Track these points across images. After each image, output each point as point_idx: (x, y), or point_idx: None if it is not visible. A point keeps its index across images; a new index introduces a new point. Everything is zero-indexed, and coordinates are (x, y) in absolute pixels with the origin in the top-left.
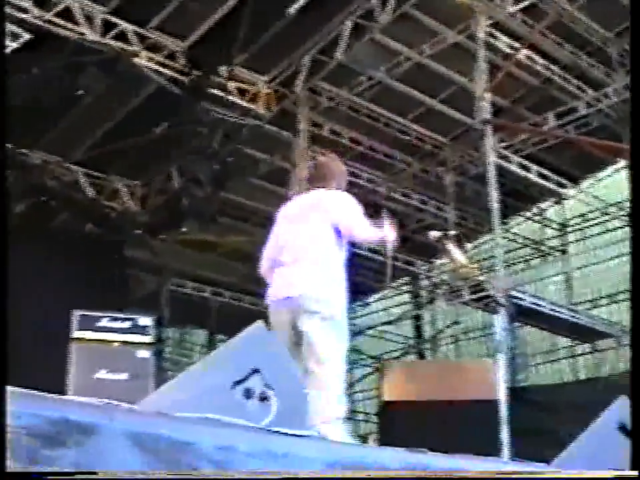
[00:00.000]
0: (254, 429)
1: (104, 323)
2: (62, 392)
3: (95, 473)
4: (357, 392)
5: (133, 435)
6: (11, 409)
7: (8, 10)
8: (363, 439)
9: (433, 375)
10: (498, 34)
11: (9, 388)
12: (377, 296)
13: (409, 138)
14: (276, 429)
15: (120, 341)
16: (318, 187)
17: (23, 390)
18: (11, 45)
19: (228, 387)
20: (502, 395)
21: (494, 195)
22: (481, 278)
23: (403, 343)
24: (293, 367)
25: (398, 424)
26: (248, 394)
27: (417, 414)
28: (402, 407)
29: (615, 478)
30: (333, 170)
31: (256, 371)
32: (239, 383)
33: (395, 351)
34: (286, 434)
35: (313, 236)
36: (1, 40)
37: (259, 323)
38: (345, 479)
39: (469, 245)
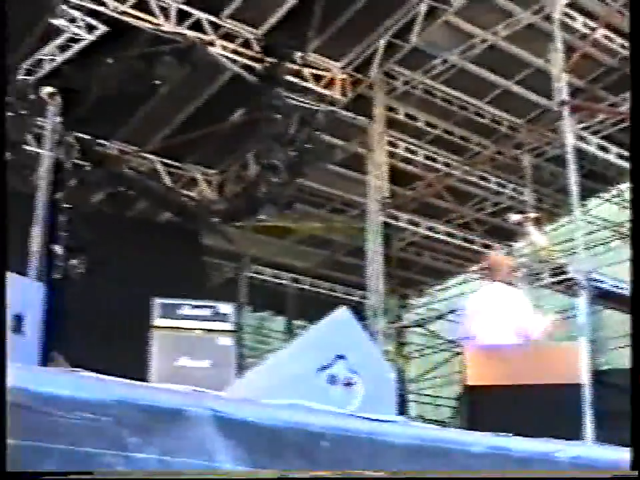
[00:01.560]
0: (339, 415)
1: (185, 310)
2: (144, 380)
3: (90, 473)
4: (437, 377)
5: (220, 421)
6: (99, 397)
7: (84, 3)
8: (445, 423)
9: (516, 358)
10: (574, 13)
11: (96, 376)
12: (455, 280)
13: (484, 120)
14: (361, 415)
15: (201, 329)
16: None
17: (110, 378)
18: (88, 37)
19: (313, 373)
20: (585, 379)
21: (572, 176)
22: (562, 260)
23: None
24: (378, 352)
25: (481, 408)
26: (333, 380)
27: (501, 398)
28: (485, 391)
29: (614, 478)
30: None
31: (341, 356)
32: (323, 368)
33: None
34: (371, 419)
35: None
36: (1, 39)
37: (343, 309)
38: (349, 479)
39: (547, 228)
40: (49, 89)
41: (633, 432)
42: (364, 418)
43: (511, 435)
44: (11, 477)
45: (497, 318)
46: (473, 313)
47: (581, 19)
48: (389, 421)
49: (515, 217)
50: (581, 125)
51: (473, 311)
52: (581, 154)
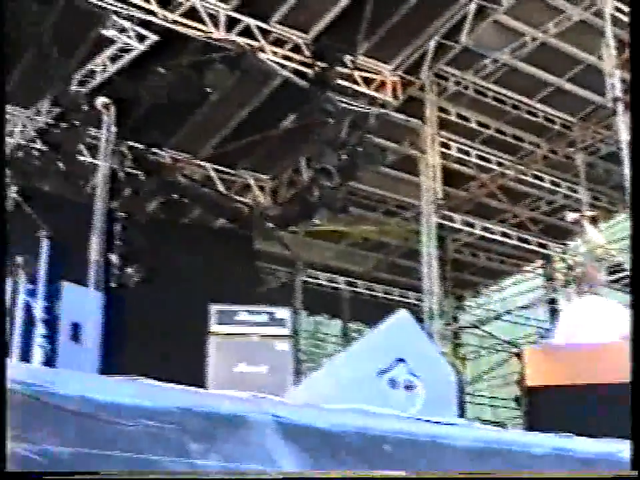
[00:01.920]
0: (401, 418)
1: (241, 316)
2: (201, 386)
3: (97, 473)
4: (495, 377)
5: (282, 427)
6: (161, 404)
7: (135, 13)
8: (503, 425)
9: (576, 357)
10: (625, 8)
11: (157, 384)
12: (510, 280)
13: (537, 119)
14: (422, 418)
15: (258, 334)
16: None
17: (171, 385)
18: (139, 47)
19: (373, 377)
20: None
21: (628, 173)
22: (619, 258)
23: (538, 327)
24: (438, 354)
25: (542, 409)
26: (393, 383)
27: (562, 398)
28: (546, 392)
29: (614, 478)
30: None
31: (401, 359)
32: (384, 372)
33: (530, 334)
34: (433, 422)
35: None
36: (1, 39)
37: (403, 311)
38: (346, 479)
39: (603, 225)
40: (103, 100)
41: (633, 432)
42: (425, 421)
43: (573, 435)
44: (11, 477)
45: (601, 330)
46: (572, 327)
47: None
48: (450, 424)
49: (571, 215)
50: None
51: (573, 324)
52: None
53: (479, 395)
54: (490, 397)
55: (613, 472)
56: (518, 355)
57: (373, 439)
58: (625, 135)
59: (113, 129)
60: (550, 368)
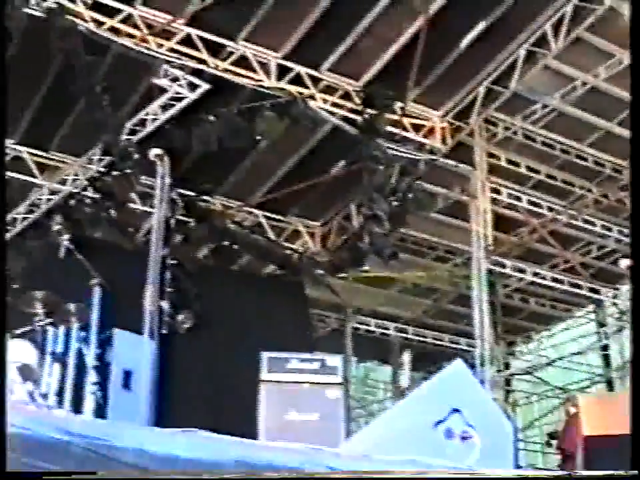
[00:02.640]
0: (457, 470)
1: (293, 364)
2: (253, 434)
3: (94, 473)
4: (546, 424)
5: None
6: (216, 457)
7: (186, 62)
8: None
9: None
10: None
11: (212, 435)
12: (562, 325)
13: (587, 163)
14: (479, 470)
15: (310, 382)
16: None
17: (226, 437)
18: (190, 96)
19: (429, 427)
20: None
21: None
22: None
23: (590, 373)
24: (495, 405)
25: (599, 458)
26: (449, 434)
27: (620, 447)
28: (602, 441)
29: (614, 478)
30: None
31: (456, 410)
32: (439, 422)
33: (582, 380)
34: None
35: None
36: (1, 39)
37: (459, 361)
38: (345, 479)
39: None
40: (156, 151)
41: (633, 432)
42: (481, 476)
43: None
44: (11, 476)
45: None
46: None
47: None
48: (508, 478)
49: (625, 262)
50: None
51: None
52: None
53: (530, 442)
54: (542, 444)
55: (613, 472)
56: (572, 401)
57: None
58: None
59: (167, 179)
60: (606, 417)
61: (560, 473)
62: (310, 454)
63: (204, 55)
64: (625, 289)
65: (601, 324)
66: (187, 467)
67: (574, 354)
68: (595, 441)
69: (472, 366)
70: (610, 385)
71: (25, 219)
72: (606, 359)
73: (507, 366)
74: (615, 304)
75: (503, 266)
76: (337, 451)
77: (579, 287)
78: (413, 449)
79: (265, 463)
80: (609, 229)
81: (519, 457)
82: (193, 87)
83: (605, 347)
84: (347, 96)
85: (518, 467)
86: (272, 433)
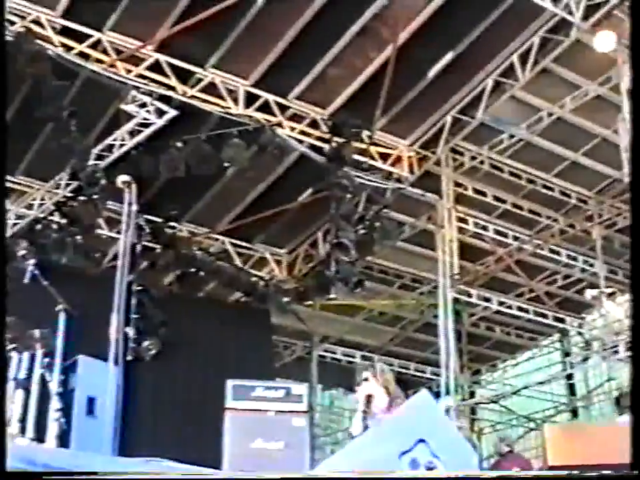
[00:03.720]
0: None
1: (258, 392)
2: (218, 463)
3: (95, 474)
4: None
5: None
6: None
7: (154, 88)
8: None
9: (599, 437)
10: None
11: (171, 464)
12: (527, 354)
13: (553, 193)
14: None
15: (275, 410)
16: None
17: (187, 466)
18: (158, 122)
19: (395, 458)
20: None
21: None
22: None
23: (554, 402)
24: (460, 435)
25: None
26: (414, 464)
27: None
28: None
29: (614, 478)
30: None
31: (422, 440)
32: (405, 452)
33: (547, 409)
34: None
35: None
36: (1, 39)
37: (424, 391)
38: (344, 479)
39: (621, 299)
40: (124, 178)
41: (633, 432)
42: None
43: None
44: (11, 476)
45: None
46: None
47: None
48: None
49: (590, 292)
50: None
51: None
52: None
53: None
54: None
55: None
56: (534, 430)
57: None
58: None
59: (134, 206)
60: (571, 447)
61: (559, 472)
62: None
63: (172, 81)
64: (590, 318)
65: (566, 353)
66: None
67: (539, 383)
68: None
69: (437, 394)
70: (574, 413)
71: None
72: (571, 388)
73: (472, 394)
74: (580, 333)
75: (469, 295)
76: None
77: (544, 316)
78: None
79: None
80: (575, 259)
81: None
82: (160, 113)
83: (570, 376)
84: (314, 124)
85: None
86: (237, 460)
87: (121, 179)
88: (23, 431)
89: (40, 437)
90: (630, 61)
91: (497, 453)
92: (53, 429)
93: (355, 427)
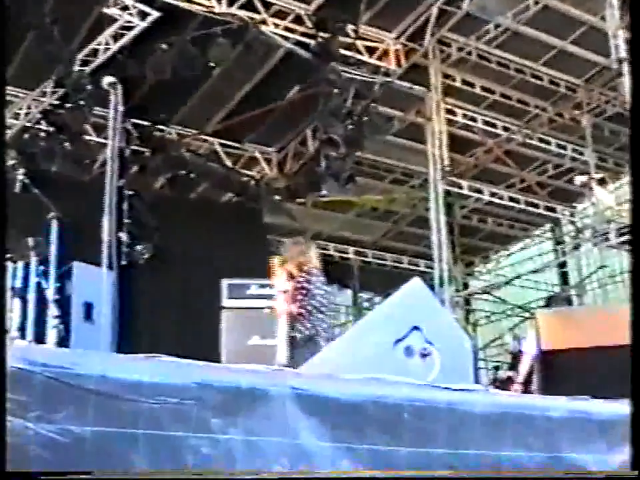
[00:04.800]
0: (418, 387)
1: (253, 290)
2: (215, 361)
3: (89, 473)
4: (506, 343)
5: (301, 399)
6: (181, 381)
7: None
8: None
9: (591, 321)
10: None
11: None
12: (519, 245)
13: (542, 82)
14: (440, 385)
15: (270, 307)
16: None
17: (189, 361)
18: (141, 25)
19: (389, 346)
20: None
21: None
22: (628, 219)
23: (548, 291)
24: (453, 321)
25: (557, 373)
26: (409, 351)
27: (577, 362)
28: (561, 355)
29: (615, 478)
30: None
31: (416, 327)
32: (399, 341)
33: (540, 299)
34: (450, 389)
35: None
36: (1, 40)
37: (416, 279)
38: (344, 479)
39: (611, 187)
40: (109, 79)
41: (633, 432)
42: (443, 388)
43: (589, 398)
44: (11, 476)
45: None
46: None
47: None
48: (468, 390)
49: (579, 179)
50: None
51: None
52: None
53: (491, 361)
54: (502, 362)
55: (614, 472)
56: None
57: (392, 408)
58: (630, 96)
59: (120, 107)
60: (564, 332)
61: (558, 472)
62: (272, 375)
63: None
64: (581, 206)
65: (558, 242)
66: (151, 392)
67: (532, 272)
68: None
69: (431, 287)
70: (568, 301)
71: None
72: (563, 276)
73: (466, 286)
74: (572, 222)
75: (460, 187)
76: (299, 371)
77: (535, 206)
78: (373, 368)
79: (229, 384)
80: (564, 148)
81: (480, 375)
82: (143, 15)
83: (563, 265)
84: (299, 20)
85: (476, 382)
86: (234, 358)
87: (107, 80)
88: (22, 339)
89: (39, 344)
90: (630, 60)
91: (510, 353)
92: (51, 335)
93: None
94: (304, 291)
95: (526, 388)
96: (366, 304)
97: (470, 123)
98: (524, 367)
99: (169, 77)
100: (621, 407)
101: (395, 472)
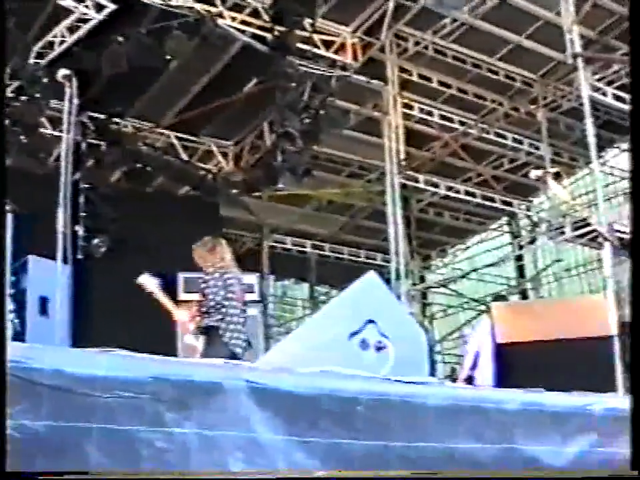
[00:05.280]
0: (373, 380)
1: None
2: (172, 355)
3: (85, 473)
4: (461, 336)
5: (256, 392)
6: (135, 375)
7: None
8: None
9: (545, 314)
10: None
11: (130, 354)
12: (476, 238)
13: (498, 77)
14: (394, 378)
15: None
16: None
17: (144, 355)
18: (97, 17)
19: (344, 339)
20: (615, 331)
21: (590, 128)
22: (583, 213)
23: (504, 284)
24: (408, 315)
25: (512, 365)
26: (364, 344)
27: (531, 354)
28: (516, 348)
29: (615, 478)
30: None
31: (371, 320)
32: (354, 334)
33: (497, 292)
34: (404, 382)
35: None
36: (1, 39)
37: (372, 272)
38: (345, 479)
39: (567, 181)
40: (64, 72)
41: (633, 432)
42: (397, 381)
43: (544, 390)
44: (11, 476)
45: None
46: None
47: None
48: (422, 383)
49: (535, 173)
50: (596, 76)
51: None
52: (596, 105)
53: (448, 354)
54: (460, 355)
55: (613, 472)
56: (487, 312)
57: (346, 401)
58: (585, 90)
59: (75, 100)
60: (519, 324)
61: (557, 472)
62: (228, 368)
63: None
64: (537, 201)
65: (515, 235)
66: (106, 386)
67: (488, 265)
68: (507, 347)
69: (388, 280)
70: (524, 295)
71: None
72: (520, 270)
73: (423, 279)
74: (528, 216)
75: (417, 180)
76: (255, 365)
77: (492, 200)
78: (328, 361)
79: (184, 378)
80: (520, 142)
81: (436, 368)
82: (99, 7)
83: (519, 258)
84: (255, 13)
85: (432, 375)
86: (190, 352)
87: (61, 72)
88: None
89: None
90: (630, 60)
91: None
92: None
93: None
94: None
95: (470, 381)
96: (323, 297)
97: (426, 117)
98: (468, 361)
99: (125, 70)
100: (575, 399)
101: (394, 472)
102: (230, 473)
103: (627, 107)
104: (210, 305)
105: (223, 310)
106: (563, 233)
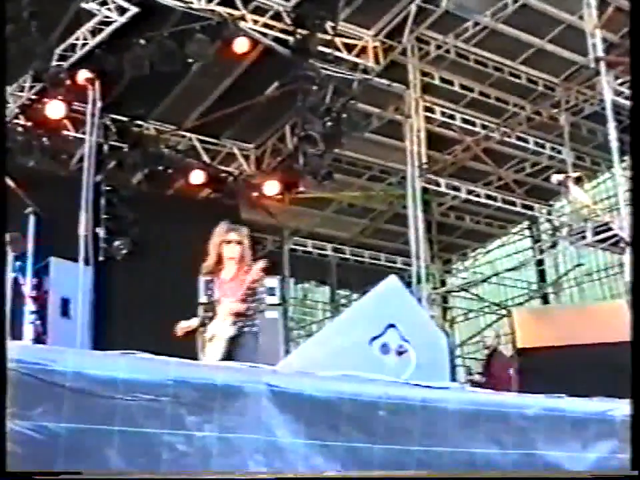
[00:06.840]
0: (393, 384)
1: None
2: (192, 358)
3: (79, 473)
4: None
5: (276, 396)
6: (156, 377)
7: None
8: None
9: (565, 319)
10: None
11: (151, 357)
12: (497, 242)
13: (520, 81)
14: (415, 382)
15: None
16: None
17: (165, 358)
18: (119, 20)
19: (365, 343)
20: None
21: (613, 132)
22: (606, 218)
23: (525, 289)
24: (429, 319)
25: (533, 370)
26: (385, 349)
27: (553, 359)
28: (537, 353)
29: (615, 478)
30: None
31: (392, 325)
32: (375, 338)
33: (518, 296)
34: (425, 386)
35: None
36: (1, 39)
37: (393, 277)
38: (345, 479)
39: (588, 185)
40: (87, 74)
41: (633, 432)
42: (417, 386)
43: (564, 395)
44: (11, 476)
45: None
46: None
47: None
48: (442, 388)
49: (556, 177)
50: (618, 80)
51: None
52: (618, 109)
53: (468, 358)
54: (481, 359)
55: (613, 472)
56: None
57: (367, 405)
58: (608, 94)
59: (98, 102)
60: (541, 330)
61: (557, 472)
62: (248, 372)
63: None
64: (558, 205)
65: (536, 240)
66: (127, 388)
67: (509, 270)
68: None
69: (408, 284)
70: (545, 299)
71: None
72: (541, 274)
73: (443, 283)
74: (549, 220)
75: (438, 184)
76: (275, 368)
77: (513, 203)
78: (350, 365)
79: (204, 381)
80: (542, 146)
81: (457, 372)
82: (122, 10)
83: (540, 263)
84: (277, 16)
85: (453, 380)
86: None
87: (84, 75)
88: None
89: (15, 340)
90: (630, 59)
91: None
92: (28, 331)
93: None
94: (251, 292)
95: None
96: (343, 301)
97: (448, 120)
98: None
99: (147, 73)
100: (595, 405)
101: (394, 473)
102: (234, 474)
103: None
104: (259, 309)
105: (260, 314)
106: (584, 237)
